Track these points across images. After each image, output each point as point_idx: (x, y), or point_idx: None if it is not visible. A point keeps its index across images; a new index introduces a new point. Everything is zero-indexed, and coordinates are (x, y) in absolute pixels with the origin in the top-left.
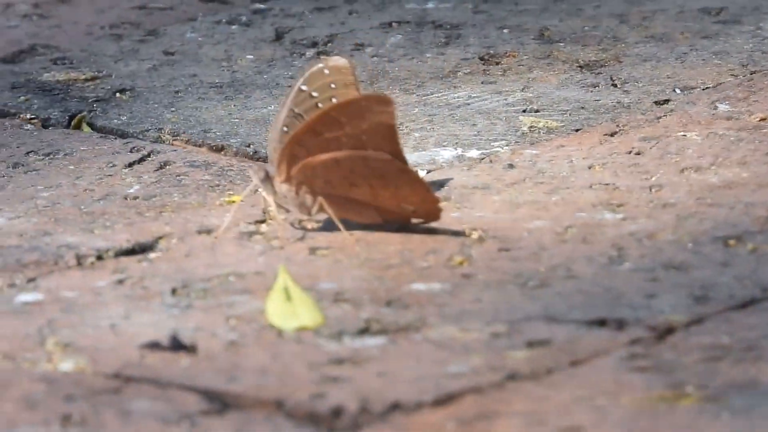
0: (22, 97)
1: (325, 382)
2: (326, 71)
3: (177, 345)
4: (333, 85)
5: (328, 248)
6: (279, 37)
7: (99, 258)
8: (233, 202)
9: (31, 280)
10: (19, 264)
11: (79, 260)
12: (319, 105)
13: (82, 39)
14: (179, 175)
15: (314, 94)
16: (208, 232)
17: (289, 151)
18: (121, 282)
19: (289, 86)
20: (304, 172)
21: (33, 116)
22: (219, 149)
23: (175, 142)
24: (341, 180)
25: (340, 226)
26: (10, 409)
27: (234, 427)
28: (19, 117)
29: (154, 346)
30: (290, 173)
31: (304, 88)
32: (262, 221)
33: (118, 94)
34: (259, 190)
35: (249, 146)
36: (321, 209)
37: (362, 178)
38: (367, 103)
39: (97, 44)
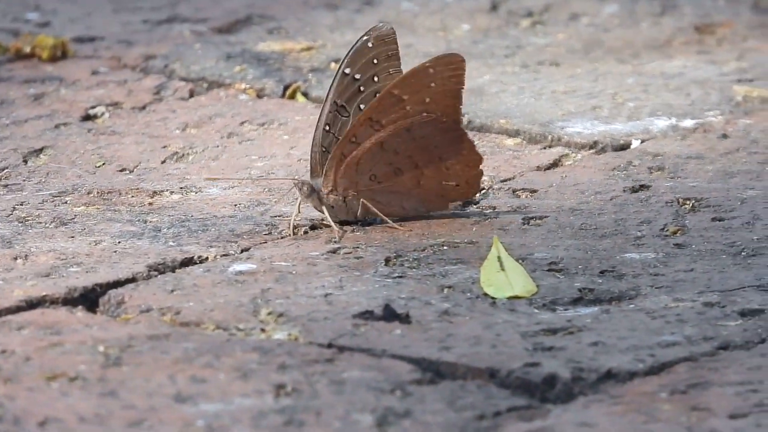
0: (238, 67)
1: (538, 351)
2: (370, 44)
3: (390, 314)
4: (375, 61)
5: (542, 218)
6: (494, 7)
7: (313, 228)
8: None
9: (245, 250)
10: (233, 234)
11: (293, 230)
12: (362, 89)
13: (298, 9)
14: None
15: (357, 76)
16: None
17: (340, 152)
18: (334, 252)
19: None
20: (348, 173)
21: (248, 86)
22: None
23: None
24: (386, 169)
25: (389, 221)
26: (223, 378)
27: (446, 397)
28: (234, 87)
29: (368, 315)
30: (336, 180)
31: (347, 71)
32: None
33: (333, 64)
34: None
35: (464, 116)
36: (366, 211)
37: (407, 158)
38: (435, 68)
39: (313, 14)
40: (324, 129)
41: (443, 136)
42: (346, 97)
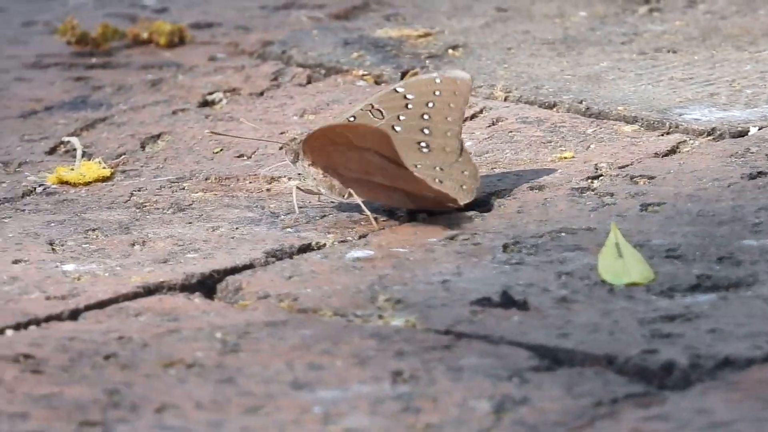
0: (355, 54)
1: (656, 338)
2: (438, 80)
3: (508, 301)
4: (437, 93)
5: (660, 204)
6: None
7: (431, 214)
8: (565, 158)
9: (362, 236)
10: (351, 221)
11: (409, 216)
12: (409, 107)
13: None
14: (511, 132)
15: (409, 96)
16: (540, 188)
17: (319, 138)
18: (452, 238)
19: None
20: (321, 155)
21: (365, 72)
22: (551, 106)
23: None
24: (358, 167)
25: (366, 211)
26: (340, 365)
27: (564, 383)
28: (352, 73)
29: (485, 302)
30: (314, 158)
31: (399, 90)
32: (595, 177)
33: (450, 51)
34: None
35: (581, 102)
36: (351, 195)
37: (376, 168)
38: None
39: (430, 1)
40: (348, 119)
41: (397, 169)
42: (387, 105)
